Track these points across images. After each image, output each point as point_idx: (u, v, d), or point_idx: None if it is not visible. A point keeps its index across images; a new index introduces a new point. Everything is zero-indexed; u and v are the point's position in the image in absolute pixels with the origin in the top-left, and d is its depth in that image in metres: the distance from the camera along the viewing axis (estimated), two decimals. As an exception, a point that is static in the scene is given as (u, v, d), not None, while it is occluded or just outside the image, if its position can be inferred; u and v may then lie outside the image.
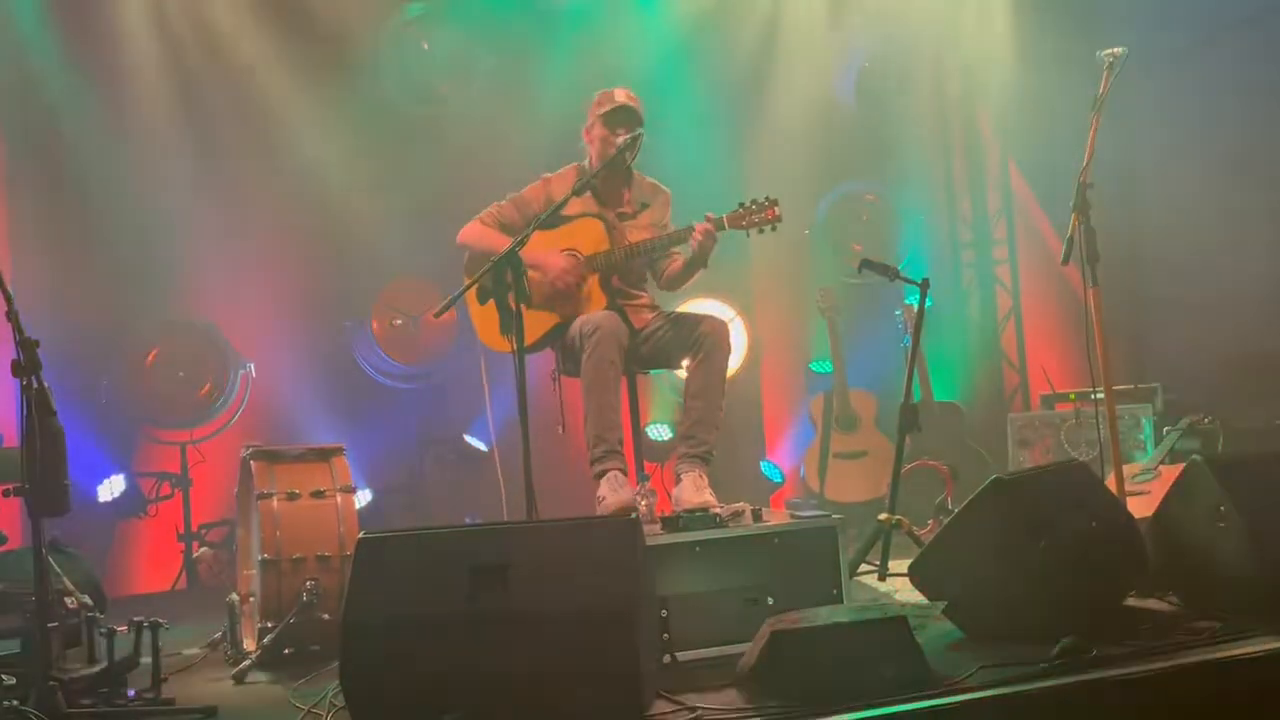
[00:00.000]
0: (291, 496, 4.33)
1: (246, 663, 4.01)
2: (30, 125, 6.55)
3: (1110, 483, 4.46)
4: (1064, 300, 7.79)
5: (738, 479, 6.74)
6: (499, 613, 3.02)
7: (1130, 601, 3.89)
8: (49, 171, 6.58)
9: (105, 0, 6.73)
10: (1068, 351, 7.69)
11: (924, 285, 4.76)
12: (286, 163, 6.89)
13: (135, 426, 6.69)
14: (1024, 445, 6.86)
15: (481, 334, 4.73)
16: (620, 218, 4.72)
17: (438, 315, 4.24)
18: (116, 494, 6.51)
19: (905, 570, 3.87)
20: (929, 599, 3.82)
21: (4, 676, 3.32)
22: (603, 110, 4.62)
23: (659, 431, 7.18)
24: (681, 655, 3.60)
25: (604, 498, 4.20)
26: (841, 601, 3.83)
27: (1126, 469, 4.98)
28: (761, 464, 7.67)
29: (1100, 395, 4.52)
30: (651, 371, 4.92)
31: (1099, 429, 5.22)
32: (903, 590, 4.29)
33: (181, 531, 6.56)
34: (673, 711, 3.08)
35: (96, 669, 3.58)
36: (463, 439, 7.02)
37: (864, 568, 4.67)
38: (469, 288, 4.42)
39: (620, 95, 4.63)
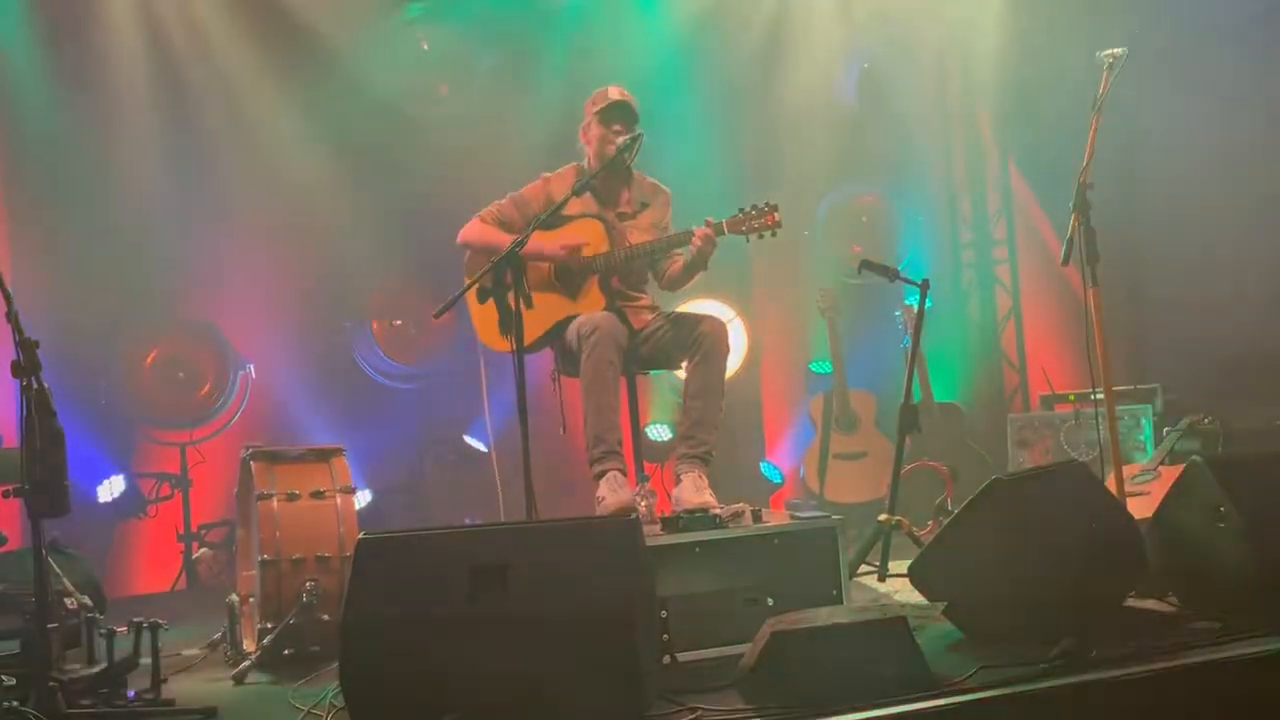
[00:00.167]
0: (291, 497, 4.33)
1: (246, 663, 4.01)
2: (30, 126, 6.54)
3: (1110, 483, 4.46)
4: (1064, 301, 7.78)
5: (737, 479, 6.74)
6: (498, 614, 3.02)
7: (1130, 602, 3.89)
8: (49, 172, 6.57)
9: (103, 1, 6.74)
10: (1067, 352, 7.68)
11: (924, 286, 4.76)
12: (286, 163, 6.88)
13: (135, 427, 6.70)
14: (1024, 446, 6.86)
15: (481, 334, 4.73)
16: (620, 218, 4.73)
17: (437, 315, 4.23)
18: (116, 494, 6.51)
19: (905, 571, 3.87)
20: (929, 599, 3.82)
21: (4, 677, 3.32)
22: (598, 107, 4.63)
23: (659, 432, 7.18)
24: (681, 656, 3.60)
25: (603, 498, 4.20)
26: (841, 602, 3.84)
27: (1126, 469, 4.98)
28: (761, 464, 7.67)
29: (1100, 396, 4.51)
30: (651, 372, 4.92)
31: (1099, 429, 5.22)
32: (902, 591, 4.29)
33: (181, 532, 6.56)
34: (672, 712, 3.08)
35: (96, 670, 3.58)
36: (462, 439, 7.02)
37: (864, 568, 4.68)
38: (469, 288, 4.43)
39: (614, 92, 4.64)
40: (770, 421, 7.99)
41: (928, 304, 4.80)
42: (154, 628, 3.60)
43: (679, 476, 4.34)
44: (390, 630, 3.05)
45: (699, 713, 3.05)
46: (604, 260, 4.58)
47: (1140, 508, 4.45)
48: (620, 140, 4.50)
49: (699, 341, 4.44)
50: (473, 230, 4.72)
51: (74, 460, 3.18)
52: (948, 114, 8.61)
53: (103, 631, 3.66)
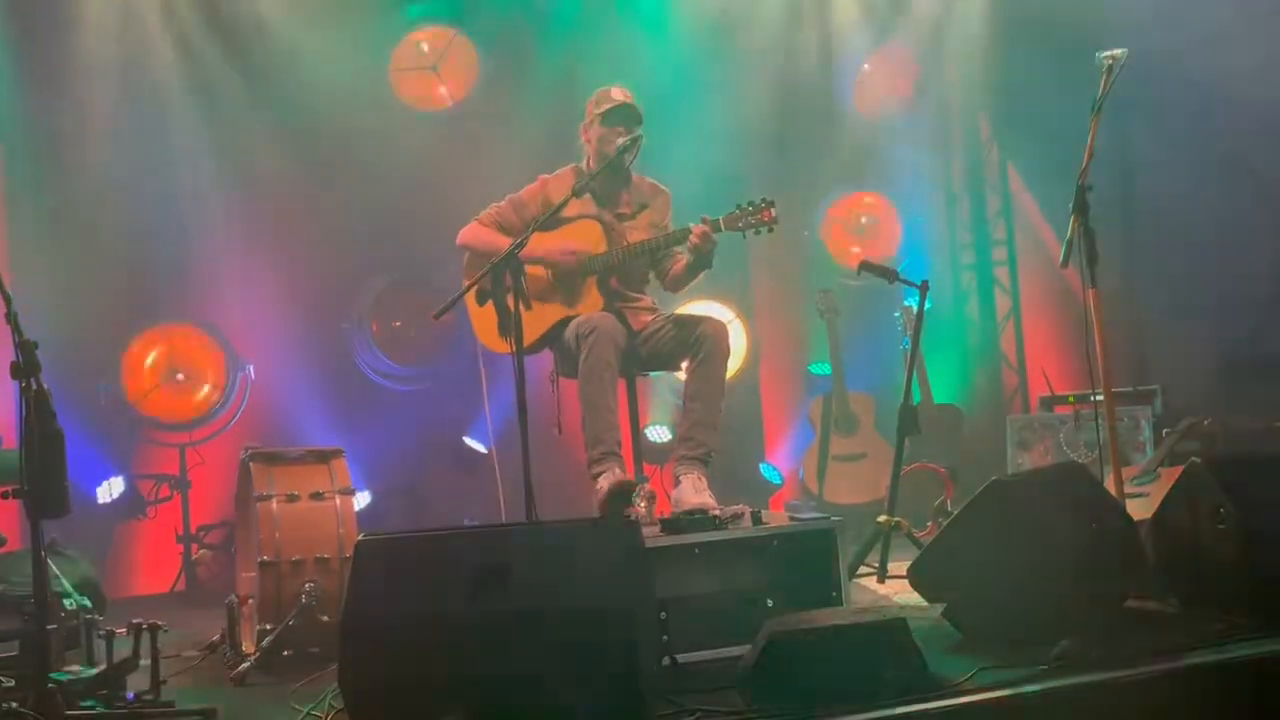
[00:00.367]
0: (291, 498, 4.33)
1: (246, 665, 4.00)
2: (29, 127, 6.54)
3: (1109, 485, 4.46)
4: (1063, 302, 7.79)
5: (737, 481, 6.74)
6: (498, 614, 3.02)
7: (1130, 603, 3.89)
8: (48, 173, 6.57)
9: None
10: (1067, 353, 7.68)
11: (923, 287, 4.77)
12: (285, 164, 6.88)
13: (134, 428, 6.69)
14: (1023, 447, 6.85)
15: (481, 335, 4.74)
16: (619, 219, 4.73)
17: (437, 317, 4.23)
18: (115, 496, 6.51)
19: (904, 572, 3.87)
20: (928, 601, 3.83)
21: (3, 679, 3.31)
22: (601, 109, 4.62)
23: (658, 433, 7.18)
24: (681, 657, 3.60)
25: (601, 487, 4.19)
26: (841, 604, 3.83)
27: (1126, 471, 4.98)
28: (761, 466, 7.67)
29: (1099, 397, 4.51)
30: (651, 373, 4.93)
31: (1098, 431, 5.22)
32: (902, 592, 4.29)
33: (180, 533, 6.55)
34: (672, 713, 3.08)
35: (96, 671, 3.58)
36: (462, 440, 7.02)
37: (863, 570, 4.68)
38: (468, 289, 4.43)
39: (617, 94, 4.63)
40: (770, 423, 7.99)
41: (927, 305, 4.80)
42: (153, 629, 3.59)
43: (678, 478, 4.34)
44: (390, 632, 3.05)
45: (698, 714, 3.05)
46: (602, 260, 4.58)
47: (1140, 509, 4.45)
48: (620, 141, 4.50)
49: (699, 342, 4.44)
50: (471, 233, 4.73)
51: (73, 461, 3.18)
52: (947, 115, 8.61)
53: (102, 633, 3.65)
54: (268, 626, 4.13)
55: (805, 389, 7.88)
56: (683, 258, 4.68)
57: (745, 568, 3.80)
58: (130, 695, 3.54)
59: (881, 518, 4.73)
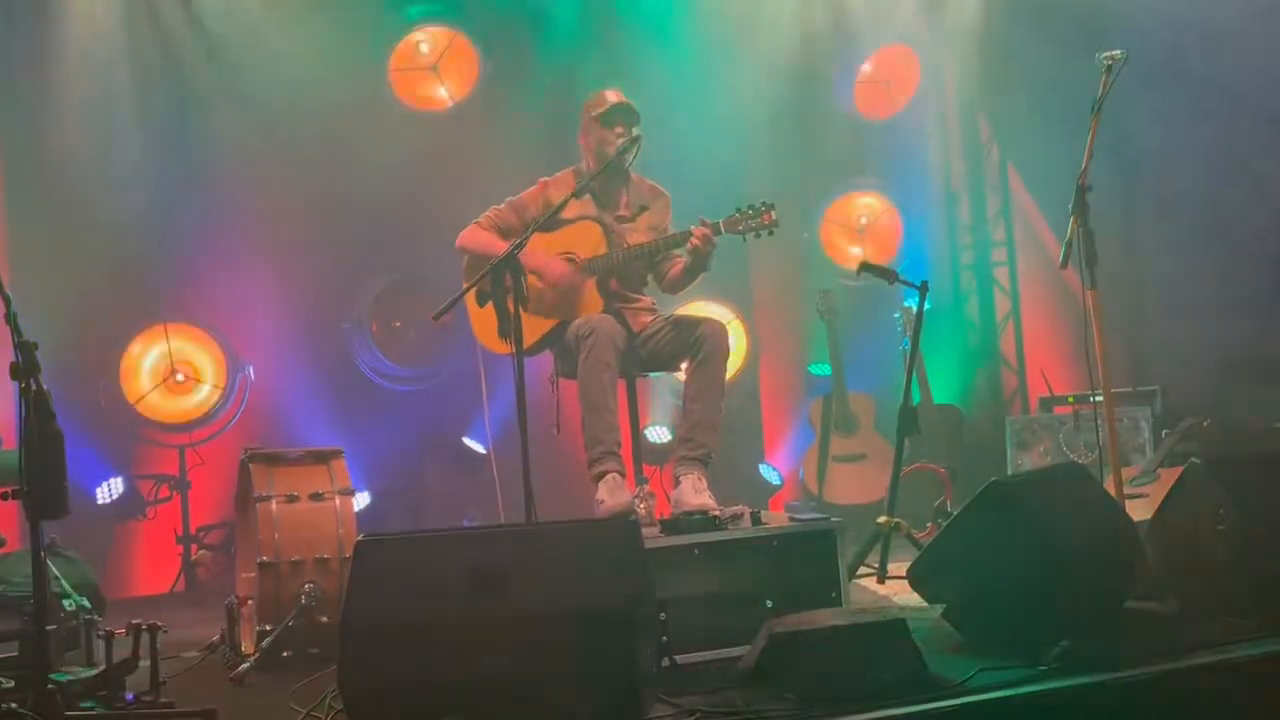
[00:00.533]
0: (290, 499, 4.33)
1: (245, 665, 4.00)
2: (29, 126, 6.54)
3: (1109, 485, 4.46)
4: (1063, 303, 7.78)
5: (737, 481, 6.74)
6: (497, 615, 3.02)
7: (1130, 603, 3.89)
8: (48, 173, 6.57)
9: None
10: (1067, 354, 7.68)
11: (923, 288, 4.76)
12: (285, 165, 6.88)
13: (134, 428, 6.69)
14: (1023, 448, 6.86)
15: (480, 336, 4.73)
16: (619, 220, 4.73)
17: (437, 318, 4.23)
18: (115, 496, 6.50)
19: (904, 573, 3.87)
20: (928, 601, 3.83)
21: (3, 679, 3.31)
22: (597, 112, 4.63)
23: (658, 434, 7.18)
24: (680, 658, 3.59)
25: (603, 500, 4.20)
26: (840, 604, 3.84)
27: (1125, 472, 4.98)
28: (760, 466, 7.67)
29: (1099, 398, 4.51)
30: (650, 374, 4.93)
31: (1098, 432, 5.22)
32: (902, 593, 4.29)
33: (180, 534, 6.55)
34: (672, 714, 3.08)
35: (95, 672, 3.58)
36: (461, 441, 7.02)
37: (863, 570, 4.68)
38: (468, 290, 4.43)
39: (612, 95, 4.65)
40: (769, 423, 7.99)
41: (927, 306, 4.80)
42: (153, 630, 3.59)
43: (678, 478, 4.33)
44: (389, 632, 3.05)
45: (698, 714, 3.05)
46: (600, 262, 4.58)
47: (1140, 510, 4.46)
48: (620, 141, 4.50)
49: (699, 343, 4.44)
50: (470, 236, 4.73)
51: (73, 462, 3.17)
52: (946, 116, 8.61)
53: (101, 634, 3.65)
54: (267, 627, 4.13)
55: (805, 389, 7.87)
56: (680, 260, 4.68)
57: (745, 568, 3.80)
58: (130, 696, 3.54)
59: (881, 518, 4.73)
